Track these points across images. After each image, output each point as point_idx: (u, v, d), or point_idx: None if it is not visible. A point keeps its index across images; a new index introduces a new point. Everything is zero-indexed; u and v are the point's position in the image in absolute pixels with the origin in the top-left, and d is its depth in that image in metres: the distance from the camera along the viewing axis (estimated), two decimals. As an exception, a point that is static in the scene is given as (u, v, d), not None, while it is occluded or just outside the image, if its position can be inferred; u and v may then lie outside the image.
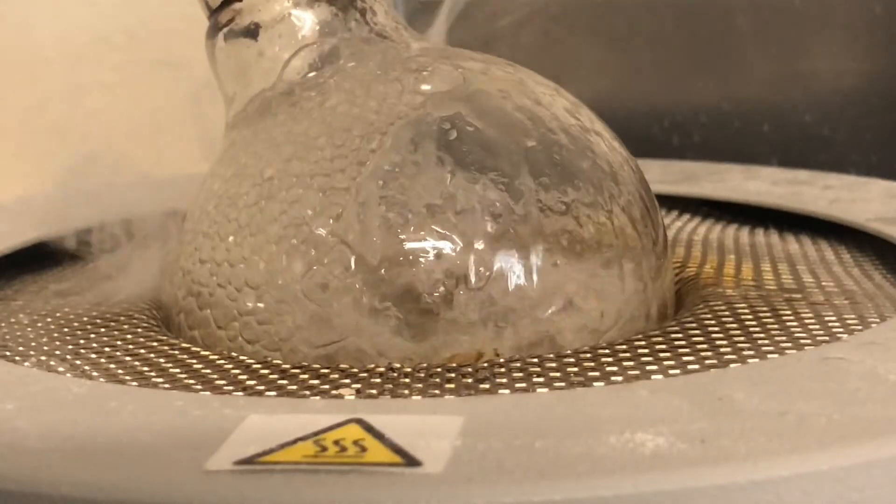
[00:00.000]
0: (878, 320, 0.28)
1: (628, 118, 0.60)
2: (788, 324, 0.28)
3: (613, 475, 0.17)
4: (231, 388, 0.25)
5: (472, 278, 0.27)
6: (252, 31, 0.32)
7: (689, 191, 0.45)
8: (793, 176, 0.46)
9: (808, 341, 0.27)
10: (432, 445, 0.18)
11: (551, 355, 0.26)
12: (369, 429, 0.19)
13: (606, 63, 0.63)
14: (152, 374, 0.26)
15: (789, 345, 0.26)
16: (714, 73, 0.60)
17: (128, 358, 0.28)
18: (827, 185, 0.43)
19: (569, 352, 0.26)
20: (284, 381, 0.25)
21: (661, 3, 0.60)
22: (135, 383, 0.26)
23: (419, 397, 0.24)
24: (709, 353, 0.26)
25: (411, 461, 0.18)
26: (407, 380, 0.25)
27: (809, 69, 0.57)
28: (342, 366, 0.26)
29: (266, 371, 0.26)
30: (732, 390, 0.21)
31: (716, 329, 0.28)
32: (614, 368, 0.25)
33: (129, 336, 0.29)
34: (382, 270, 0.27)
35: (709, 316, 0.29)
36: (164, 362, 0.27)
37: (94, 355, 0.28)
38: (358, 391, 0.24)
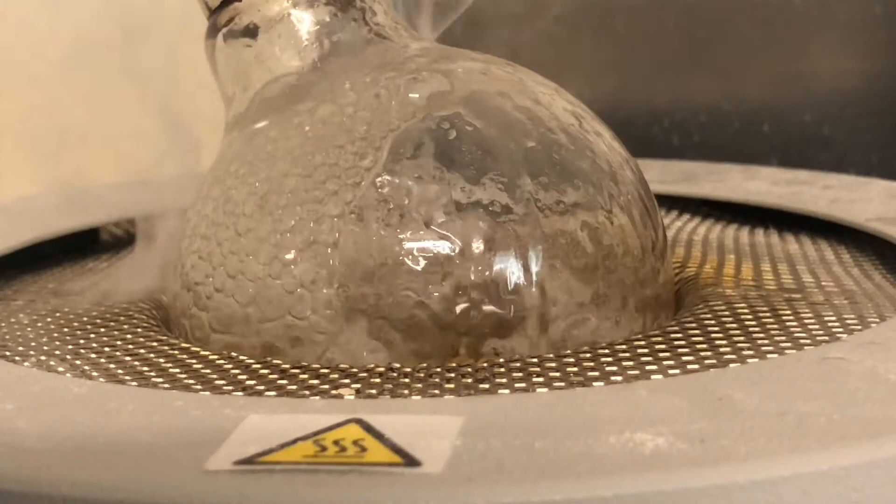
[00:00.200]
0: (877, 320, 0.28)
1: (628, 118, 0.60)
2: (788, 324, 0.28)
3: (613, 475, 0.17)
4: (231, 388, 0.25)
5: (472, 278, 0.27)
6: (251, 31, 0.32)
7: (689, 191, 0.45)
8: (793, 176, 0.46)
9: (808, 341, 0.27)
10: (432, 445, 0.18)
11: (551, 355, 0.26)
12: (369, 429, 0.19)
13: (606, 63, 0.63)
14: (152, 374, 0.26)
15: (789, 345, 0.26)
16: (714, 73, 0.60)
17: (128, 358, 0.28)
18: (827, 185, 0.43)
19: (569, 352, 0.26)
20: (284, 381, 0.25)
21: (661, 3, 0.60)
22: (135, 383, 0.26)
23: (419, 397, 0.24)
24: (708, 353, 0.26)
25: (411, 461, 0.18)
26: (407, 380, 0.25)
27: (809, 69, 0.57)
28: (342, 366, 0.26)
29: (266, 371, 0.26)
30: (732, 390, 0.21)
31: (715, 329, 0.28)
32: (614, 368, 0.25)
33: (129, 336, 0.29)
34: (382, 271, 0.27)
35: (708, 316, 0.29)
36: (164, 362, 0.27)
37: (94, 355, 0.28)
38: (358, 391, 0.24)
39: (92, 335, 0.30)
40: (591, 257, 0.28)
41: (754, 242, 0.38)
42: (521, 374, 0.25)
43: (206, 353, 0.28)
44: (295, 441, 0.19)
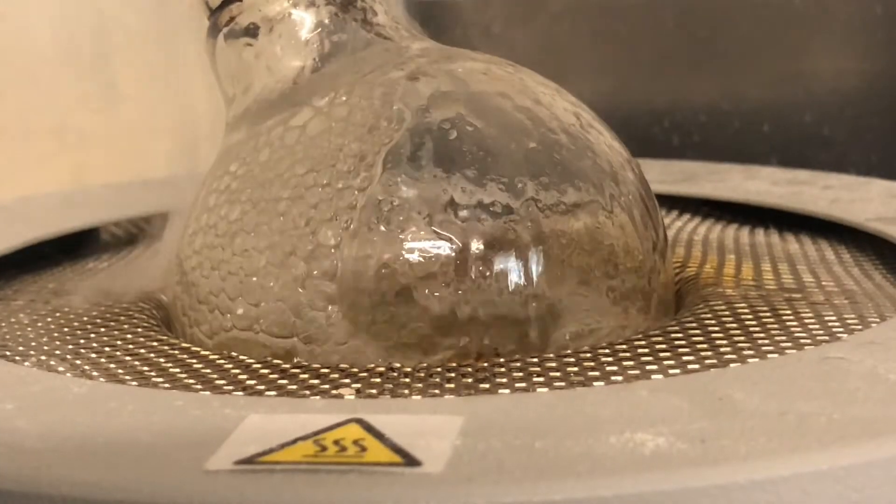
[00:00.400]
0: (878, 320, 0.28)
1: (628, 118, 0.60)
2: (788, 324, 0.28)
3: (613, 475, 0.17)
4: (231, 388, 0.25)
5: (472, 279, 0.27)
6: (252, 32, 0.32)
7: (689, 191, 0.45)
8: (793, 176, 0.46)
9: (808, 341, 0.27)
10: (432, 445, 0.18)
11: (551, 355, 0.26)
12: (369, 429, 0.19)
13: (606, 63, 0.63)
14: (152, 374, 0.26)
15: (789, 345, 0.26)
16: (714, 73, 0.60)
17: (128, 358, 0.28)
18: (827, 185, 0.43)
19: (569, 352, 0.26)
20: (284, 381, 0.25)
21: (661, 3, 0.60)
22: (135, 383, 0.26)
23: (419, 397, 0.24)
24: (709, 353, 0.26)
25: (411, 461, 0.18)
26: (407, 380, 0.25)
27: (809, 69, 0.57)
28: (342, 365, 0.26)
29: (266, 371, 0.26)
30: (732, 390, 0.21)
31: (716, 329, 0.28)
32: (614, 368, 0.25)
33: (129, 336, 0.29)
34: (382, 272, 0.27)
35: (709, 316, 0.29)
36: (164, 362, 0.27)
37: (94, 355, 0.28)
38: (358, 391, 0.24)
39: (92, 335, 0.30)
40: (592, 257, 0.28)
41: (754, 242, 0.38)
42: (521, 374, 0.25)
43: (207, 352, 0.28)
44: (295, 441, 0.19)
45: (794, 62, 0.57)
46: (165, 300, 0.33)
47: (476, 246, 0.27)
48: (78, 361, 0.27)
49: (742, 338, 0.27)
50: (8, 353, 0.28)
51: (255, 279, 0.28)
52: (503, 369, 0.25)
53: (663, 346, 0.26)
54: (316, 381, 0.25)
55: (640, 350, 0.26)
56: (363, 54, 0.31)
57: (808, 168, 0.48)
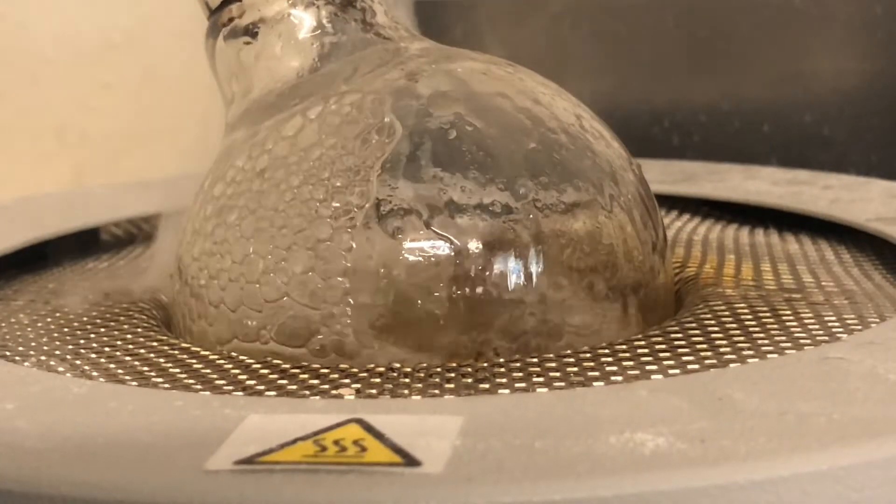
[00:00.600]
0: (877, 320, 0.28)
1: (628, 118, 0.60)
2: (788, 324, 0.28)
3: (613, 475, 0.17)
4: (231, 388, 0.25)
5: (472, 279, 0.27)
6: (252, 31, 0.32)
7: (689, 191, 0.45)
8: (793, 176, 0.46)
9: (808, 341, 0.27)
10: (432, 445, 0.18)
11: (551, 355, 0.26)
12: (369, 429, 0.19)
13: (606, 63, 0.63)
14: (152, 374, 0.26)
15: (789, 345, 0.26)
16: (714, 73, 0.60)
17: (128, 358, 0.28)
18: (827, 185, 0.43)
19: (569, 352, 0.26)
20: (284, 381, 0.25)
21: (661, 3, 0.60)
22: (135, 383, 0.26)
23: (419, 397, 0.24)
24: (709, 353, 0.26)
25: (411, 461, 0.18)
26: (407, 380, 0.25)
27: (809, 69, 0.57)
28: (342, 366, 0.26)
29: (266, 371, 0.26)
30: (732, 390, 0.21)
31: (716, 329, 0.28)
32: (614, 368, 0.25)
33: (129, 336, 0.29)
34: (381, 272, 0.27)
35: (709, 316, 0.29)
36: (164, 362, 0.27)
37: (94, 355, 0.28)
38: (358, 391, 0.24)
39: (92, 335, 0.30)
40: (592, 257, 0.28)
41: (754, 242, 0.38)
42: (521, 374, 0.25)
43: (207, 353, 0.28)
44: (295, 441, 0.19)
45: (794, 62, 0.57)
46: (165, 300, 0.33)
47: (475, 246, 0.27)
48: (78, 361, 0.27)
49: (742, 338, 0.27)
50: (8, 353, 0.28)
51: (254, 285, 0.27)
52: (503, 369, 0.25)
53: (663, 347, 0.26)
54: (316, 381, 0.25)
55: (639, 350, 0.26)
56: (363, 54, 0.31)
57: (808, 168, 0.48)
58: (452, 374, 0.25)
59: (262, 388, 0.25)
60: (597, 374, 0.25)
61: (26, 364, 0.27)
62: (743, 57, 0.59)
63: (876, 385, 0.21)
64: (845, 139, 0.57)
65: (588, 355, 0.26)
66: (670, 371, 0.25)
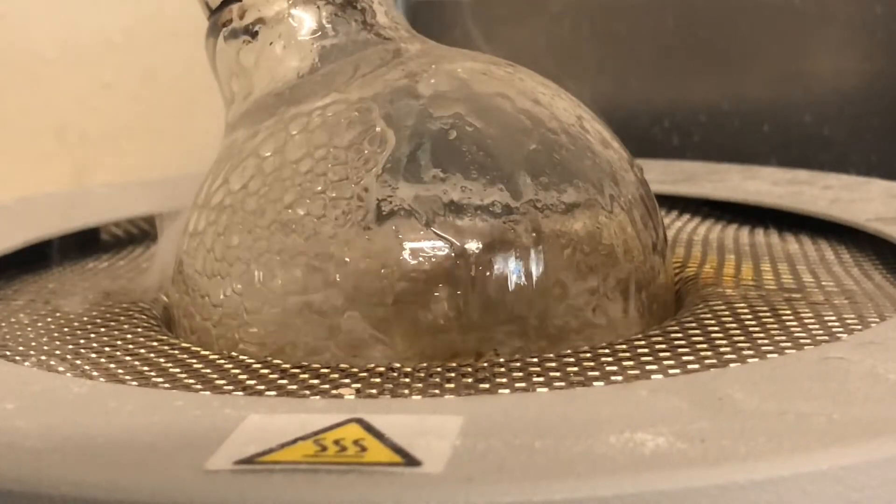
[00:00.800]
0: (877, 320, 0.28)
1: (628, 118, 0.60)
2: (788, 324, 0.28)
3: (613, 475, 0.17)
4: (231, 388, 0.25)
5: (472, 279, 0.27)
6: (252, 31, 0.32)
7: (689, 191, 0.45)
8: (793, 176, 0.46)
9: (808, 341, 0.27)
10: (432, 445, 0.18)
11: (551, 355, 0.26)
12: (369, 428, 0.19)
13: (606, 63, 0.63)
14: (152, 374, 0.26)
15: (789, 345, 0.26)
16: (714, 73, 0.60)
17: (128, 358, 0.28)
18: (827, 185, 0.43)
19: (569, 352, 0.26)
20: (284, 381, 0.25)
21: (661, 3, 0.60)
22: (135, 383, 0.26)
23: (419, 397, 0.24)
24: (709, 353, 0.26)
25: (411, 461, 0.18)
26: (407, 380, 0.25)
27: (809, 69, 0.57)
28: (342, 365, 0.26)
29: (266, 371, 0.26)
30: (732, 390, 0.21)
31: (716, 329, 0.28)
32: (614, 368, 0.25)
33: (129, 336, 0.29)
34: (382, 272, 0.27)
35: (709, 316, 0.29)
36: (164, 362, 0.27)
37: (94, 355, 0.28)
38: (358, 391, 0.24)
39: (92, 335, 0.30)
40: (592, 257, 0.28)
41: (754, 242, 0.38)
42: (521, 374, 0.25)
43: (207, 353, 0.28)
44: (295, 441, 0.19)
45: (794, 62, 0.57)
46: (165, 300, 0.33)
47: (476, 246, 0.27)
48: (78, 361, 0.27)
49: (742, 338, 0.27)
50: (8, 353, 0.28)
51: (254, 285, 0.27)
52: (503, 369, 0.25)
53: (663, 346, 0.26)
54: (316, 381, 0.25)
55: (639, 350, 0.26)
56: (363, 54, 0.31)
57: (808, 168, 0.48)
58: (452, 374, 0.25)
59: (262, 388, 0.25)
60: (597, 374, 0.25)
61: (26, 364, 0.27)
62: (743, 57, 0.59)
63: (876, 385, 0.21)
64: (845, 139, 0.57)
65: (588, 355, 0.26)
66: (670, 371, 0.25)
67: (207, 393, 0.25)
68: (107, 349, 0.28)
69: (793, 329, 0.28)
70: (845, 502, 0.18)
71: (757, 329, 0.28)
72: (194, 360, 0.27)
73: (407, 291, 0.27)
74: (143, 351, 0.28)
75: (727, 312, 0.29)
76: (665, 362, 0.25)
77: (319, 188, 0.27)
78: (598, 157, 0.29)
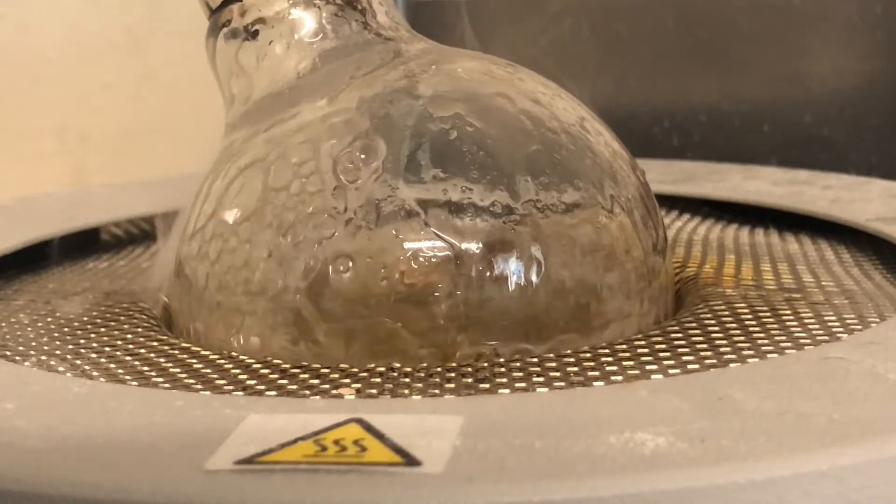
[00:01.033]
0: (877, 320, 0.28)
1: (628, 118, 0.60)
2: (788, 323, 0.28)
3: (613, 475, 0.17)
4: (231, 388, 0.25)
5: (472, 279, 0.27)
6: (252, 31, 0.32)
7: (689, 191, 0.45)
8: (793, 176, 0.46)
9: (808, 341, 0.27)
10: (432, 445, 0.18)
11: (551, 355, 0.26)
12: (369, 428, 0.19)
13: (606, 63, 0.63)
14: (152, 374, 0.26)
15: (789, 344, 0.26)
16: (714, 73, 0.60)
17: (128, 358, 0.28)
18: (827, 185, 0.43)
19: (569, 352, 0.26)
20: (284, 381, 0.25)
21: (661, 3, 0.60)
22: (135, 383, 0.26)
23: (419, 397, 0.24)
24: (709, 353, 0.26)
25: (411, 461, 0.18)
26: (407, 380, 0.25)
27: (809, 69, 0.57)
28: (342, 366, 0.26)
29: (266, 371, 0.26)
30: (732, 390, 0.21)
31: (716, 329, 0.28)
32: (614, 368, 0.25)
33: (129, 336, 0.29)
34: (382, 272, 0.27)
35: (709, 316, 0.29)
36: (164, 362, 0.27)
37: (94, 355, 0.28)
38: (358, 391, 0.24)
39: (92, 335, 0.30)
40: (592, 257, 0.28)
41: (754, 242, 0.38)
42: (521, 374, 0.25)
43: (207, 352, 0.28)
44: (295, 441, 0.19)
45: (794, 62, 0.57)
46: (166, 300, 0.33)
47: (476, 246, 0.27)
48: (78, 361, 0.27)
49: (742, 338, 0.27)
50: (8, 353, 0.28)
51: (253, 286, 0.27)
52: (503, 369, 0.25)
53: (663, 346, 0.26)
54: (316, 381, 0.25)
55: (639, 350, 0.26)
56: (363, 55, 0.31)
57: (808, 168, 0.48)
58: (452, 374, 0.25)
59: (262, 388, 0.25)
60: (597, 374, 0.25)
61: (26, 364, 0.27)
62: (743, 57, 0.59)
63: (876, 385, 0.21)
64: (845, 139, 0.57)
65: (588, 355, 0.26)
66: (670, 371, 0.25)
67: (207, 393, 0.25)
68: (107, 349, 0.28)
69: (793, 329, 0.28)
70: (845, 502, 0.18)
71: (757, 329, 0.28)
72: (194, 360, 0.27)
73: (407, 292, 0.27)
74: (143, 351, 0.28)
75: (727, 312, 0.29)
76: (665, 362, 0.25)
77: (318, 189, 0.27)
78: (598, 157, 0.29)
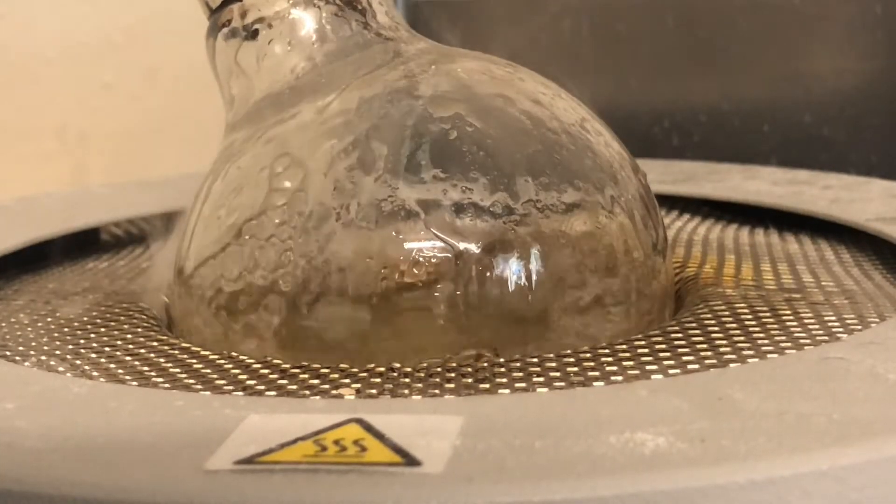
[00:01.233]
0: (877, 320, 0.28)
1: (628, 118, 0.60)
2: (788, 324, 0.28)
3: (613, 475, 0.17)
4: (231, 388, 0.25)
5: (472, 279, 0.27)
6: (252, 31, 0.32)
7: (689, 191, 0.45)
8: (793, 176, 0.46)
9: (808, 341, 0.27)
10: (432, 445, 0.18)
11: (551, 355, 0.26)
12: (369, 428, 0.19)
13: (606, 63, 0.63)
14: (152, 374, 0.26)
15: (789, 345, 0.26)
16: (714, 73, 0.60)
17: (128, 358, 0.28)
18: (827, 185, 0.43)
19: (569, 352, 0.26)
20: (284, 381, 0.25)
21: (661, 3, 0.60)
22: (135, 383, 0.26)
23: (419, 397, 0.24)
24: (709, 353, 0.26)
25: (411, 461, 0.18)
26: (407, 380, 0.25)
27: (809, 69, 0.57)
28: (342, 366, 0.26)
29: (266, 371, 0.26)
30: (732, 390, 0.21)
31: (716, 329, 0.28)
32: (614, 368, 0.25)
33: (129, 336, 0.29)
34: (382, 272, 0.27)
35: (709, 316, 0.29)
36: (164, 362, 0.27)
37: (94, 355, 0.28)
38: (358, 391, 0.24)
39: (92, 335, 0.30)
40: (592, 257, 0.28)
41: (754, 242, 0.38)
42: (521, 374, 0.25)
43: (207, 353, 0.28)
44: (295, 441, 0.19)
45: (794, 62, 0.57)
46: (166, 300, 0.33)
47: (476, 246, 0.27)
48: (78, 361, 0.27)
49: (742, 338, 0.27)
50: (8, 353, 0.28)
51: (253, 286, 0.27)
52: (503, 369, 0.25)
53: (663, 346, 0.26)
54: (316, 381, 0.25)
55: (639, 350, 0.26)
56: (363, 55, 0.31)
57: (808, 168, 0.48)
58: (452, 374, 0.25)
59: (262, 388, 0.25)
60: (597, 374, 0.25)
61: (26, 364, 0.27)
62: (743, 57, 0.59)
63: (876, 385, 0.21)
64: (845, 139, 0.57)
65: (588, 355, 0.26)
66: (670, 371, 0.25)
67: (207, 393, 0.25)
68: (107, 349, 0.28)
69: (793, 329, 0.28)
70: (845, 502, 0.18)
71: (757, 329, 0.28)
72: (194, 360, 0.27)
73: (407, 292, 0.27)
74: (143, 351, 0.28)
75: (727, 312, 0.29)
76: (665, 362, 0.25)
77: (318, 189, 0.27)
78: (598, 157, 0.29)
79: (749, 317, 0.29)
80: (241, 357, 0.27)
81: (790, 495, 0.17)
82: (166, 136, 0.64)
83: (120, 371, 0.27)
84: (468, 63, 0.31)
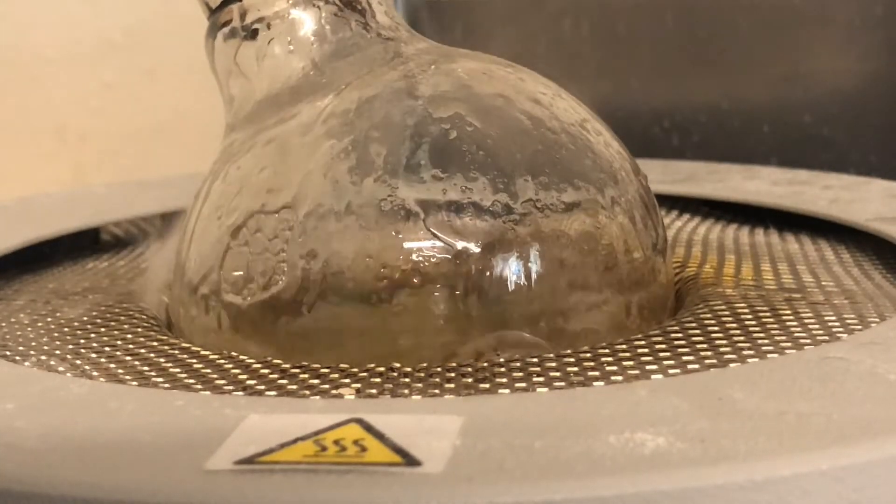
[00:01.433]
0: (877, 320, 0.28)
1: (628, 118, 0.60)
2: (788, 323, 0.28)
3: (613, 475, 0.17)
4: (231, 387, 0.25)
5: (472, 279, 0.27)
6: (251, 31, 0.32)
7: (689, 191, 0.45)
8: (793, 176, 0.46)
9: (808, 341, 0.27)
10: (432, 445, 0.18)
11: (551, 355, 0.26)
12: (369, 428, 0.19)
13: (606, 63, 0.63)
14: (152, 374, 0.26)
15: (789, 344, 0.26)
16: (714, 73, 0.60)
17: (128, 358, 0.28)
18: (827, 185, 0.43)
19: (569, 352, 0.26)
20: (284, 381, 0.25)
21: (661, 3, 0.60)
22: (135, 383, 0.26)
23: (419, 397, 0.24)
24: (709, 353, 0.26)
25: (411, 461, 0.18)
26: (407, 380, 0.25)
27: (809, 69, 0.57)
28: (342, 365, 0.26)
29: (266, 371, 0.26)
30: (732, 390, 0.21)
31: (716, 329, 0.28)
32: (614, 368, 0.25)
33: (129, 336, 0.29)
34: (381, 272, 0.27)
35: (709, 316, 0.29)
36: (164, 362, 0.27)
37: (94, 355, 0.28)
38: (358, 391, 0.24)
39: (92, 335, 0.30)
40: (592, 257, 0.28)
41: (754, 242, 0.38)
42: (521, 374, 0.25)
43: (207, 352, 0.28)
44: (295, 441, 0.19)
45: (794, 62, 0.57)
46: (166, 300, 0.33)
47: (475, 246, 0.27)
48: (78, 361, 0.27)
49: (742, 338, 0.27)
50: (8, 353, 0.28)
51: (253, 286, 0.27)
52: (503, 369, 0.25)
53: (663, 346, 0.26)
54: (316, 381, 0.25)
55: (639, 350, 0.26)
56: (363, 54, 0.31)
57: (808, 168, 0.48)
58: (452, 374, 0.25)
59: (262, 388, 0.25)
60: (597, 374, 0.25)
61: (26, 364, 0.27)
62: (743, 57, 0.59)
63: (876, 385, 0.21)
64: (845, 139, 0.57)
65: (588, 355, 0.26)
66: (670, 371, 0.25)
67: (207, 393, 0.25)
68: (107, 349, 0.28)
69: (793, 329, 0.28)
70: (845, 502, 0.18)
71: (757, 329, 0.28)
72: (194, 360, 0.27)
73: (407, 291, 0.27)
74: (143, 351, 0.28)
75: (727, 312, 0.29)
76: (665, 362, 0.25)
77: (318, 189, 0.27)
78: (597, 156, 0.29)
79: (749, 317, 0.29)
80: (241, 357, 0.27)
81: (790, 495, 0.17)
82: (166, 136, 0.64)
83: (120, 371, 0.27)
84: (468, 63, 0.31)
